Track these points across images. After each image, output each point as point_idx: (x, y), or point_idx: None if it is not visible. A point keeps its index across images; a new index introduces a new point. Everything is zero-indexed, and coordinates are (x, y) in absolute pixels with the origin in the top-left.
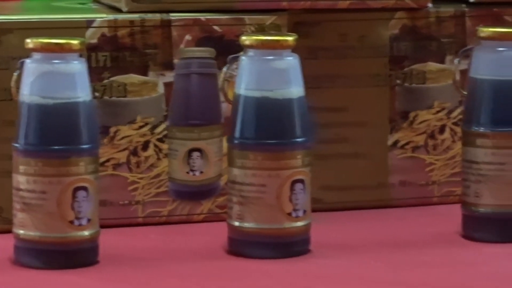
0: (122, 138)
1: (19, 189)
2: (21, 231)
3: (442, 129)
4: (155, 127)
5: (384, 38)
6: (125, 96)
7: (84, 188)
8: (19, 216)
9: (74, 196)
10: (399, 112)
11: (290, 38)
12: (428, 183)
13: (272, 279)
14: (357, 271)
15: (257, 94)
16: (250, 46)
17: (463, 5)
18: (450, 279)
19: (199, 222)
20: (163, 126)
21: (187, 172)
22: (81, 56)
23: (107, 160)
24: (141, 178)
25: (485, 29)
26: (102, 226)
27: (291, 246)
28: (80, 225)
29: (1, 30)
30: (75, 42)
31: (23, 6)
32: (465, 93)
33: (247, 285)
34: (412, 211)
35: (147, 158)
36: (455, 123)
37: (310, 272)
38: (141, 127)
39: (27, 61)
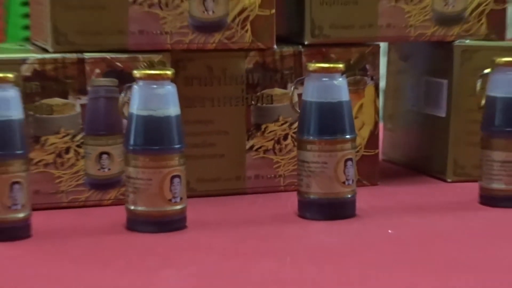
0: (50, 144)
1: None
2: None
3: (285, 137)
4: (74, 136)
5: (242, 70)
6: (51, 114)
7: (19, 183)
8: None
9: (11, 188)
10: (254, 124)
11: (169, 72)
12: (276, 176)
13: (156, 247)
14: (215, 241)
15: (144, 113)
16: (140, 78)
17: (300, 46)
18: (277, 248)
19: (107, 205)
20: (80, 135)
21: (98, 169)
22: (16, 85)
23: (39, 161)
24: (64, 174)
25: (312, 65)
26: (35, 209)
27: (171, 224)
28: (16, 209)
29: None
30: (10, 75)
31: None
32: (299, 111)
33: (137, 251)
34: (263, 197)
35: (69, 159)
36: (294, 133)
37: (185, 243)
38: (64, 136)
39: None
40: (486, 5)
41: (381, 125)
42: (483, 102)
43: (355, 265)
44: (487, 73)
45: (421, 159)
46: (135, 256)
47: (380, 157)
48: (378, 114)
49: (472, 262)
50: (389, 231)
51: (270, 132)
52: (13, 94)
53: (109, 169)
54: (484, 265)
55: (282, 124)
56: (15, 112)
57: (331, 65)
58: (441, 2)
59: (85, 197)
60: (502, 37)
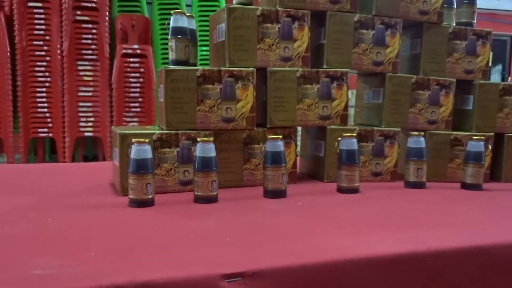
0: (163, 167)
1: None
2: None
3: (259, 164)
4: (174, 163)
5: (242, 137)
6: (164, 155)
7: (150, 184)
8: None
9: (146, 186)
10: (246, 159)
11: (211, 139)
12: (255, 179)
13: (205, 209)
14: (230, 206)
15: (201, 155)
16: (200, 141)
17: (265, 128)
18: (256, 209)
19: (187, 192)
20: (176, 163)
21: (184, 177)
22: (149, 144)
23: (159, 174)
24: (169, 179)
25: (270, 136)
26: (157, 193)
27: (212, 200)
28: (148, 194)
29: (128, 136)
30: (147, 140)
31: (136, 128)
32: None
33: (197, 211)
34: (250, 188)
35: (172, 173)
36: (263, 162)
37: (217, 207)
38: (169, 164)
39: (132, 145)
40: (340, 112)
41: (298, 158)
42: (338, 151)
43: (287, 216)
44: (339, 139)
45: (314, 172)
46: (196, 213)
47: (297, 171)
48: (297, 154)
49: (337, 216)
50: (299, 203)
51: (253, 162)
52: (148, 148)
53: (188, 177)
54: (340, 218)
55: (258, 159)
56: (149, 155)
57: (277, 136)
58: (321, 110)
59: (178, 188)
60: (346, 125)
